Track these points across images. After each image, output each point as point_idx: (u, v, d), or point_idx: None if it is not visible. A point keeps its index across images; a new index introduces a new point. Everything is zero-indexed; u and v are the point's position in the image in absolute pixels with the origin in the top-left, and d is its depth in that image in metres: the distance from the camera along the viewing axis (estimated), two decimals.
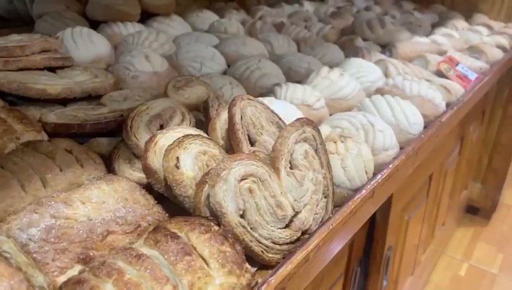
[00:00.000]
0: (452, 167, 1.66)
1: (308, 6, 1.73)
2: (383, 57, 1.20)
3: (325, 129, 0.68)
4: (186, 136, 0.53)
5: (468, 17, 1.90)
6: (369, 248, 1.01)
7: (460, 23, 1.75)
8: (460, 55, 1.30)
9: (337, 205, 0.62)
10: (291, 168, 0.55)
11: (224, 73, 0.97)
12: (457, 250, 2.09)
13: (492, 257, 2.05)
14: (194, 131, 0.58)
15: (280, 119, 0.63)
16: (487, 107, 1.98)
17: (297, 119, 0.57)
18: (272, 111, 0.62)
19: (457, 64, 1.20)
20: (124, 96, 0.76)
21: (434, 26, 1.72)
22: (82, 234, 0.44)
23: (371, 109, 0.83)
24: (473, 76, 1.19)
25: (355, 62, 1.05)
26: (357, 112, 0.78)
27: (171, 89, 0.68)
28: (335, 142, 0.64)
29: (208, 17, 1.28)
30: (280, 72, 0.97)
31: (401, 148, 0.82)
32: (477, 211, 2.32)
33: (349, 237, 0.66)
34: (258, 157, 0.51)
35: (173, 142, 0.52)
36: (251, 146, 0.57)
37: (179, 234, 0.43)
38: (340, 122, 0.75)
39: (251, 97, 0.60)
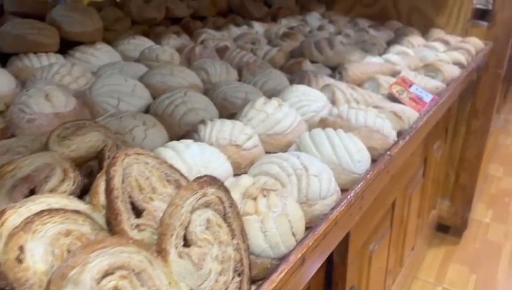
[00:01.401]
0: (417, 189, 1.56)
1: (258, 28, 1.63)
2: (331, 81, 1.10)
3: (245, 181, 0.55)
4: (39, 213, 0.39)
5: (424, 32, 1.84)
6: None
7: (417, 39, 1.68)
8: (415, 75, 1.22)
9: (259, 279, 0.49)
10: (186, 245, 0.42)
11: (148, 109, 0.84)
12: (429, 273, 1.99)
13: (466, 278, 1.96)
14: (66, 200, 0.45)
15: (182, 175, 0.50)
16: (450, 123, 1.91)
17: (196, 179, 0.44)
18: (171, 166, 0.49)
19: (410, 85, 1.10)
20: (8, 148, 0.62)
21: (390, 43, 1.64)
22: None
23: (310, 146, 0.72)
24: (428, 98, 1.09)
25: (298, 89, 0.93)
26: (290, 153, 0.66)
27: (54, 140, 0.55)
28: (254, 199, 0.52)
29: (141, 43, 1.16)
30: (211, 106, 0.85)
31: (346, 190, 0.70)
32: (447, 229, 2.24)
33: None
34: (132, 240, 0.38)
35: (19, 224, 0.38)
36: (137, 217, 0.44)
37: None
38: (269, 167, 0.63)
39: (140, 151, 0.47)
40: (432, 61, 1.32)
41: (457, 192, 2.14)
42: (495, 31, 1.86)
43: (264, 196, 0.53)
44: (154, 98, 0.87)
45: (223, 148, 0.70)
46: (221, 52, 1.25)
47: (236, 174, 0.72)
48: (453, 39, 1.72)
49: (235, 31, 1.53)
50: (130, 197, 0.43)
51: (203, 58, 1.15)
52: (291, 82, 1.09)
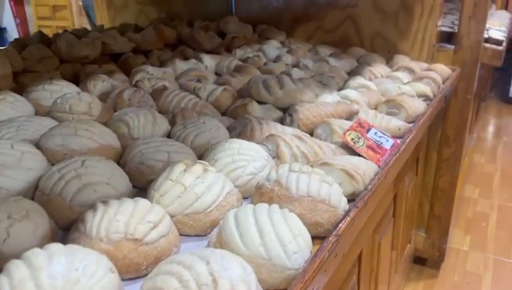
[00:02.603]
0: (387, 232, 1.41)
1: (209, 61, 1.47)
2: (278, 128, 0.94)
3: None
4: None
5: (389, 58, 1.72)
6: None
7: (380, 68, 1.55)
8: (375, 114, 1.07)
9: None
10: None
11: None
12: None
13: None
14: None
15: None
16: (420, 153, 1.78)
17: None
18: None
19: (369, 129, 0.95)
20: None
21: (351, 73, 1.50)
22: None
23: (233, 235, 0.55)
24: (388, 143, 0.94)
25: (233, 146, 0.77)
26: (198, 254, 0.49)
27: None
28: None
29: (57, 89, 0.97)
30: (119, 176, 0.67)
31: None
32: (425, 262, 2.09)
33: None
34: None
35: None
36: None
37: None
38: (165, 282, 0.45)
39: None
40: (394, 97, 1.17)
41: (433, 223, 2.00)
42: (462, 55, 1.75)
43: None
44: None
45: (115, 245, 0.52)
46: (158, 94, 1.08)
47: (135, 277, 0.54)
48: (418, 66, 1.59)
49: (181, 66, 1.36)
50: None
51: (132, 106, 0.98)
52: (232, 131, 0.93)
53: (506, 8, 4.11)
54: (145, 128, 0.85)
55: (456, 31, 1.94)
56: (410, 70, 1.54)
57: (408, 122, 1.15)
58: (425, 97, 1.30)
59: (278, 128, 0.93)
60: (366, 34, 1.82)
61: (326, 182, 0.67)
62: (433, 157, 1.91)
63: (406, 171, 1.50)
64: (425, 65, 1.65)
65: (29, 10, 5.87)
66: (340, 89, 1.33)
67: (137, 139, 0.81)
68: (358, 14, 1.80)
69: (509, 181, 2.86)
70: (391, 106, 1.17)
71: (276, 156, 0.83)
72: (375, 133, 0.95)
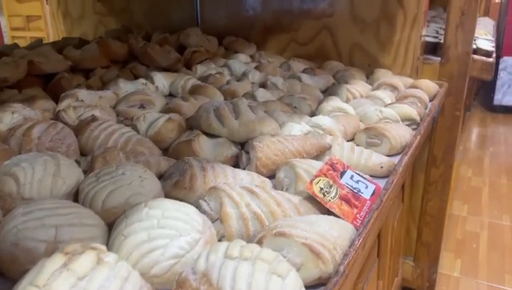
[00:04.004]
0: (372, 276, 1.20)
1: (161, 81, 1.24)
2: (228, 174, 0.71)
3: None
4: None
5: (369, 72, 1.52)
6: None
7: (359, 85, 1.35)
8: (351, 148, 0.85)
9: None
10: None
11: None
12: None
13: None
14: None
15: None
16: (406, 178, 1.58)
17: None
18: None
19: (343, 172, 0.74)
20: None
21: (327, 91, 1.29)
22: None
23: None
24: (369, 190, 0.73)
25: (154, 212, 0.54)
26: None
27: None
28: None
29: None
30: None
31: None
32: None
33: None
34: None
35: None
36: None
37: None
38: None
39: None
40: (375, 124, 0.97)
41: (421, 250, 1.80)
42: (449, 68, 1.56)
43: None
44: None
45: None
46: (83, 128, 0.85)
47: None
48: (402, 82, 1.39)
49: (126, 87, 1.13)
50: None
51: (42, 146, 0.75)
52: (168, 180, 0.70)
53: (487, 14, 3.99)
54: (42, 183, 0.62)
55: (442, 41, 1.75)
56: (393, 88, 1.34)
57: (392, 155, 0.95)
58: (412, 121, 1.10)
59: (228, 175, 0.71)
60: (343, 46, 1.62)
61: (278, 275, 0.45)
62: (420, 179, 1.72)
63: (390, 206, 1.29)
64: (409, 80, 1.45)
65: (3, 21, 5.58)
66: (312, 113, 1.12)
67: (29, 200, 0.58)
68: (335, 24, 1.60)
69: (498, 196, 2.69)
70: (372, 134, 0.96)
71: (220, 219, 0.61)
72: (352, 176, 0.74)
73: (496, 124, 3.85)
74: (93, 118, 0.89)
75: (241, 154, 0.82)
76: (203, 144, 0.82)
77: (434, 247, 1.77)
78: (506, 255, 2.20)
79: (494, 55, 1.66)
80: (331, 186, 0.69)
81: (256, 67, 1.44)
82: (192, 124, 0.92)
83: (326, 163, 0.73)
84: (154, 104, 1.05)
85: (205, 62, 1.46)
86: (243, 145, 0.86)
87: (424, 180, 1.71)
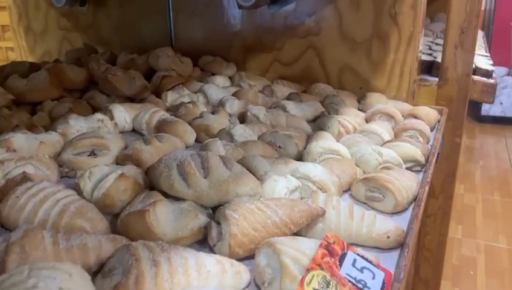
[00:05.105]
0: None
1: (122, 115, 1.04)
2: (190, 267, 0.53)
3: None
4: None
5: (361, 96, 1.35)
6: None
7: (351, 114, 1.17)
8: (349, 213, 0.67)
9: None
10: None
11: None
12: None
13: None
14: None
15: None
16: None
17: None
18: None
19: (343, 256, 0.56)
20: None
21: (315, 124, 1.12)
22: None
23: None
24: (377, 281, 0.55)
25: None
26: None
27: None
28: None
29: None
30: None
31: None
32: None
33: None
34: None
35: None
36: None
37: None
38: None
39: None
40: (375, 174, 0.79)
41: (419, 287, 1.63)
42: (448, 91, 1.41)
43: None
44: None
45: None
46: (7, 193, 0.65)
47: None
48: (398, 108, 1.23)
49: (78, 126, 0.93)
50: None
51: None
52: (106, 277, 0.51)
53: None
54: None
55: (437, 58, 1.60)
56: (390, 117, 1.18)
57: (397, 212, 0.78)
58: (415, 162, 0.93)
59: (190, 268, 0.52)
60: (332, 67, 1.45)
61: None
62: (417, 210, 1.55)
63: None
64: (406, 107, 1.28)
65: None
66: (300, 154, 0.94)
67: None
68: (322, 43, 1.43)
69: (492, 215, 2.56)
70: (372, 186, 0.78)
71: None
72: (354, 261, 0.56)
73: (484, 135, 3.75)
74: (24, 178, 0.69)
75: (211, 225, 0.63)
76: (161, 216, 0.63)
77: (433, 283, 1.61)
78: (505, 281, 2.06)
79: (494, 75, 1.52)
80: (328, 284, 0.51)
81: (235, 94, 1.26)
82: (151, 181, 0.73)
83: (320, 245, 0.55)
84: (109, 148, 0.86)
85: (177, 88, 1.27)
86: (214, 209, 0.68)
87: (423, 213, 1.54)
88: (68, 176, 0.82)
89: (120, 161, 0.84)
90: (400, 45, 1.34)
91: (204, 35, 1.61)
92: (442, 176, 1.48)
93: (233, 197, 0.67)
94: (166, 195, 0.69)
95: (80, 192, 0.71)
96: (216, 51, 1.59)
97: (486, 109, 3.84)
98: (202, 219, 0.65)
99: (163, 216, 0.63)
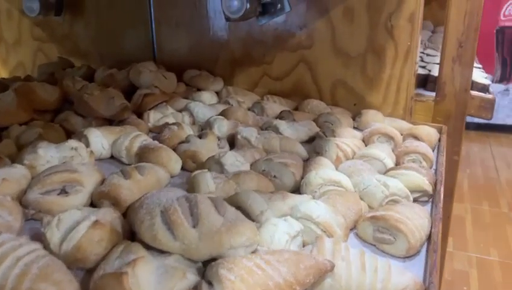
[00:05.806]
0: None
1: (97, 141, 0.93)
2: None
3: None
4: None
5: (356, 113, 1.27)
6: None
7: (348, 135, 1.09)
8: (361, 265, 0.58)
9: None
10: None
11: None
12: None
13: None
14: None
15: None
16: None
17: None
18: None
19: None
20: None
21: (312, 148, 1.03)
22: None
23: None
24: None
25: None
26: None
27: None
28: None
29: None
30: None
31: None
32: None
33: None
34: None
35: None
36: None
37: None
38: None
39: None
40: (384, 212, 0.70)
41: None
42: (445, 107, 1.34)
43: None
44: None
45: None
46: None
47: None
48: (396, 127, 1.15)
49: (48, 156, 0.82)
50: None
51: None
52: None
53: None
54: None
55: (431, 72, 1.54)
56: (389, 137, 1.10)
57: (409, 256, 0.69)
58: (422, 193, 0.85)
59: None
60: (324, 82, 1.36)
61: None
62: None
63: None
64: (404, 125, 1.21)
65: None
66: (297, 185, 0.85)
67: None
68: (314, 57, 1.34)
69: (482, 226, 2.52)
70: (381, 227, 0.70)
71: None
72: None
73: (469, 143, 3.74)
74: None
75: (201, 287, 0.53)
76: (142, 277, 0.52)
77: None
78: None
79: (491, 89, 1.46)
80: None
81: (224, 113, 1.16)
82: (131, 226, 0.63)
83: None
84: (82, 184, 0.75)
85: (160, 107, 1.16)
86: (205, 263, 0.58)
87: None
88: (34, 218, 0.70)
89: (95, 199, 0.74)
90: (396, 59, 1.26)
91: (189, 47, 1.51)
92: None
93: (227, 250, 0.57)
94: (148, 245, 0.59)
95: (46, 244, 0.60)
96: (202, 64, 1.49)
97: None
98: (191, 278, 0.55)
99: (144, 278, 0.53)
